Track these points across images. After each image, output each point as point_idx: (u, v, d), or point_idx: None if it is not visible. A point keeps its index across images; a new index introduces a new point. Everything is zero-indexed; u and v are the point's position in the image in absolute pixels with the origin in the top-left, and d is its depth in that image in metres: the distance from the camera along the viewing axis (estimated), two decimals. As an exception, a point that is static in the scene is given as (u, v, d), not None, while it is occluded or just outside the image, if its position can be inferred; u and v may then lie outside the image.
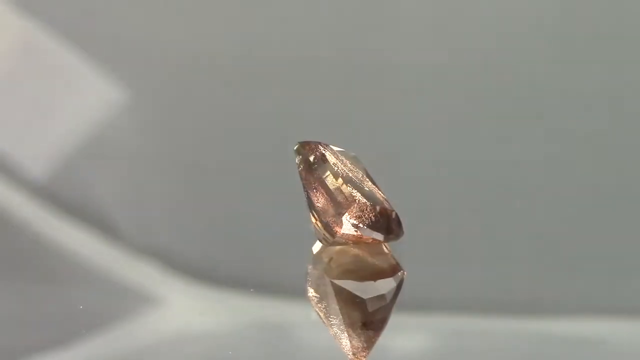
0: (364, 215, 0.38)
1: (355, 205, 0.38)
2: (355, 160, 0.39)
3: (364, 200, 0.38)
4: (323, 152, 0.38)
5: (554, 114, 0.47)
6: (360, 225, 0.37)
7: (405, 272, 0.37)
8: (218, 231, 0.42)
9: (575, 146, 0.46)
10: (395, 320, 0.37)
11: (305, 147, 0.39)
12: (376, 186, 0.38)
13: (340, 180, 0.38)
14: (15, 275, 0.40)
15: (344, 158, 0.39)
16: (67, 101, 0.48)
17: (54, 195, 0.43)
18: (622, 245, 0.41)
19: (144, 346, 0.37)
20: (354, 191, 0.38)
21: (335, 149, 0.39)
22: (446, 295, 0.39)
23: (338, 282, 0.37)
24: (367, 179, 0.38)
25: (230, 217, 0.42)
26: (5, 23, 0.51)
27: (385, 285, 0.37)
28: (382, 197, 0.38)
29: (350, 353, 0.34)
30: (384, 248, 0.38)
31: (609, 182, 0.44)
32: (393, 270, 0.38)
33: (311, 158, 0.38)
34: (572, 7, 0.52)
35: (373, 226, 0.38)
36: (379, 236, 0.38)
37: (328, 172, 0.38)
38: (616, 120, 0.47)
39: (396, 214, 0.38)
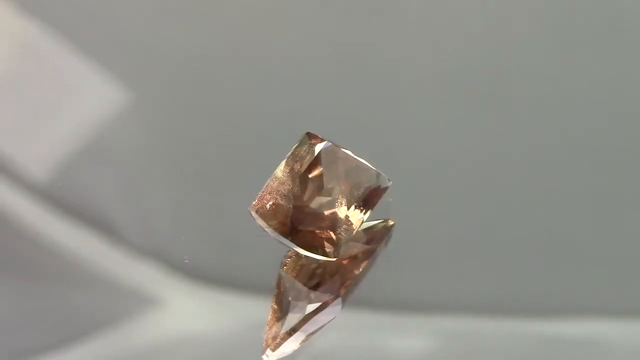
0: (268, 214, 0.36)
1: (266, 202, 0.36)
2: (358, 179, 0.36)
3: (283, 202, 0.36)
4: (314, 150, 0.37)
5: (555, 114, 0.47)
6: (261, 223, 0.36)
7: (340, 299, 0.36)
8: (219, 232, 0.42)
9: (576, 146, 0.46)
10: (395, 321, 0.37)
11: (303, 139, 0.37)
12: (359, 209, 0.36)
13: (289, 174, 0.36)
14: (15, 276, 0.40)
15: (342, 167, 0.37)
16: (68, 102, 0.48)
17: (55, 196, 0.43)
18: (624, 246, 0.41)
19: (143, 347, 0.37)
20: (287, 187, 0.36)
21: (352, 155, 0.37)
22: (446, 296, 0.39)
23: (283, 273, 0.37)
24: (343, 197, 0.36)
25: (231, 219, 0.42)
26: (6, 24, 0.51)
27: (315, 299, 0.36)
28: (338, 217, 0.36)
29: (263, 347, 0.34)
30: (359, 266, 0.37)
31: (611, 182, 0.44)
32: (330, 290, 0.37)
33: (295, 149, 0.37)
34: (572, 6, 0.52)
35: (278, 229, 0.36)
36: (285, 242, 0.37)
37: (286, 166, 0.37)
38: (617, 119, 0.47)
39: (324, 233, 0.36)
